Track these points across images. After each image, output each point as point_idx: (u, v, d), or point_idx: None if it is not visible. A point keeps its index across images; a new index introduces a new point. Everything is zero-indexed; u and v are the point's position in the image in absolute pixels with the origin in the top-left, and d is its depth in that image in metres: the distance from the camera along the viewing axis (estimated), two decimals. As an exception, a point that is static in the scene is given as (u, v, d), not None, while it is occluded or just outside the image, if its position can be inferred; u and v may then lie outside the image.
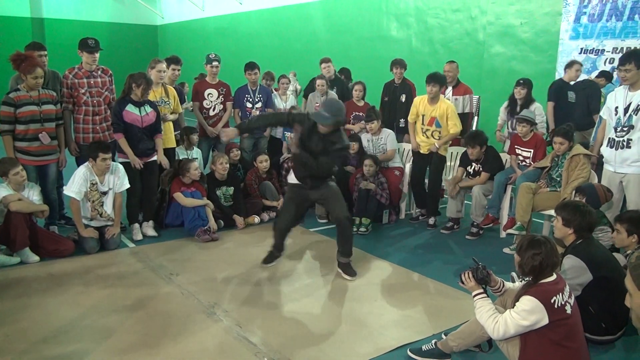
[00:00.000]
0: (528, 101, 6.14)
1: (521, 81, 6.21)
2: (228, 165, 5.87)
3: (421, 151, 5.96)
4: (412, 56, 11.15)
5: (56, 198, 5.36)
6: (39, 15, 19.76)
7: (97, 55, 5.30)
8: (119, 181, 5.02)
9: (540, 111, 6.16)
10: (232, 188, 5.94)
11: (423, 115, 5.86)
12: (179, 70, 6.22)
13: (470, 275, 2.98)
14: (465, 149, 5.84)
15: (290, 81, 7.99)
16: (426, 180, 6.16)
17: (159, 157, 5.39)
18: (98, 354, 3.20)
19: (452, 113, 5.75)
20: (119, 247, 5.05)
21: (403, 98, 6.99)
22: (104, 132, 5.39)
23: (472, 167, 5.75)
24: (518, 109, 6.17)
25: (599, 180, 4.91)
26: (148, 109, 5.20)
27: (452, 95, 6.66)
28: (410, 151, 6.33)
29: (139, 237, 5.30)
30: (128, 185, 5.10)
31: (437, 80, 5.74)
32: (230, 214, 5.76)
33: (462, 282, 3.02)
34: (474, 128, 9.50)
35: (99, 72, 5.38)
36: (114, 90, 5.53)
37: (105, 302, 3.90)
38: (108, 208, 5.00)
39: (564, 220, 3.39)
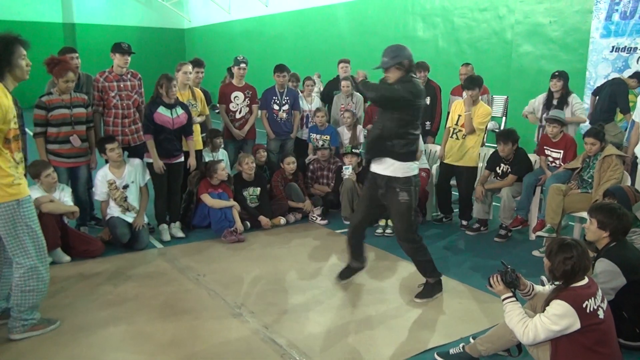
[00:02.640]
0: (565, 94, 6.08)
1: (556, 73, 6.15)
2: (254, 165, 5.90)
3: (449, 162, 5.91)
4: (438, 57, 11.06)
5: (87, 199, 5.47)
6: (70, 21, 20.24)
7: (129, 57, 5.40)
8: (140, 175, 5.21)
9: (578, 100, 6.09)
10: (259, 188, 5.98)
11: (459, 116, 5.81)
12: (202, 72, 6.28)
13: (499, 278, 2.94)
14: (493, 150, 5.76)
15: (315, 83, 8.00)
16: (452, 182, 6.12)
17: (190, 160, 5.46)
18: (126, 354, 3.25)
19: (486, 116, 5.72)
20: (147, 247, 5.13)
21: (428, 100, 6.93)
22: (133, 134, 5.47)
23: (501, 168, 5.66)
24: (555, 102, 6.11)
25: (633, 182, 4.80)
26: (179, 110, 5.26)
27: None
28: (437, 152, 6.28)
29: (167, 237, 5.37)
30: (149, 177, 5.26)
31: (475, 83, 5.69)
32: (256, 215, 5.79)
33: (491, 286, 2.98)
34: (501, 128, 9.42)
35: (129, 76, 5.47)
36: (143, 93, 5.61)
37: (133, 302, 3.96)
38: (132, 200, 5.16)
39: (599, 222, 3.30)
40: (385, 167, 3.92)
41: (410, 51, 3.86)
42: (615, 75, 8.03)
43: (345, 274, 4.40)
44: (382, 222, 5.70)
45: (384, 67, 3.84)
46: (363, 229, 4.29)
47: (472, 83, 5.67)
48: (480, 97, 6.58)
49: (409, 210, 3.92)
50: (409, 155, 3.87)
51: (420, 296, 4.05)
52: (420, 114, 3.90)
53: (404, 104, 3.76)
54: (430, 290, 4.09)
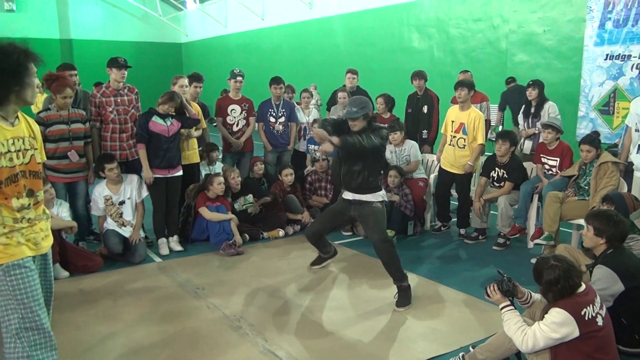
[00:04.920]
0: (541, 101, 6.27)
1: (531, 82, 6.38)
2: (240, 178, 5.96)
3: (446, 168, 5.94)
4: (434, 67, 11.14)
5: (85, 214, 5.46)
6: (67, 37, 20.35)
7: (126, 72, 5.42)
8: (136, 191, 5.26)
9: (555, 109, 6.22)
10: (250, 195, 6.03)
11: (452, 122, 5.85)
12: (200, 87, 6.29)
13: (496, 287, 2.95)
14: (486, 157, 5.81)
15: (312, 95, 8.03)
16: (452, 191, 6.15)
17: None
18: (126, 369, 3.25)
19: (481, 124, 5.74)
20: (144, 261, 5.13)
21: (425, 109, 6.98)
22: (131, 148, 5.48)
23: (496, 173, 5.68)
24: (532, 109, 6.32)
25: (629, 189, 4.81)
26: (172, 119, 5.29)
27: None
28: (434, 162, 6.32)
29: (166, 251, 5.37)
30: (147, 193, 5.30)
31: (464, 84, 5.81)
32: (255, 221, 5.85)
33: (489, 296, 2.99)
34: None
35: (125, 91, 5.49)
36: (140, 107, 5.63)
37: (133, 317, 3.95)
38: (128, 216, 5.21)
39: (595, 229, 3.31)
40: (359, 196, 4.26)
41: (372, 104, 4.34)
42: (611, 82, 8.10)
43: (317, 261, 4.99)
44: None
45: (352, 117, 4.11)
46: (323, 235, 4.76)
47: (459, 83, 5.85)
48: (479, 105, 6.66)
49: (384, 214, 4.33)
50: (379, 187, 4.29)
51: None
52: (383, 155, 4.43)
53: (379, 150, 4.18)
54: (400, 295, 4.23)
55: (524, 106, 6.51)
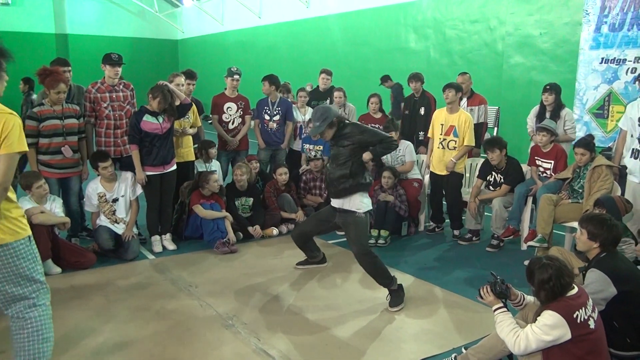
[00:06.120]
0: (557, 106, 5.94)
1: (547, 87, 5.95)
2: (244, 178, 5.91)
3: (436, 172, 5.96)
4: (430, 68, 11.16)
5: (78, 210, 5.43)
6: (63, 32, 20.25)
7: (120, 69, 5.40)
8: (130, 188, 5.24)
9: (571, 116, 6.02)
10: (252, 199, 5.98)
11: (442, 125, 5.86)
12: (193, 84, 6.26)
13: (489, 289, 2.96)
14: (483, 159, 5.81)
15: (308, 94, 8.02)
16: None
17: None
18: (118, 366, 3.23)
19: (469, 126, 5.77)
20: (137, 258, 5.11)
21: (422, 111, 6.99)
22: (125, 145, 5.46)
23: (493, 177, 5.69)
24: (547, 115, 5.95)
25: (622, 192, 4.83)
26: (164, 115, 5.23)
27: (467, 106, 6.64)
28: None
29: (159, 249, 5.35)
30: (141, 191, 5.28)
31: (452, 86, 5.81)
32: (245, 225, 5.77)
33: (482, 297, 2.99)
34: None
35: (121, 87, 5.47)
36: (135, 104, 5.61)
37: (125, 314, 3.94)
38: (121, 213, 5.20)
39: (589, 233, 3.31)
40: (345, 201, 4.16)
41: (335, 109, 4.19)
42: (606, 86, 8.15)
43: (303, 262, 4.97)
44: (374, 233, 5.70)
45: (318, 133, 4.09)
46: (308, 238, 4.76)
47: (448, 85, 5.81)
48: (477, 107, 6.65)
49: (367, 226, 4.26)
50: (363, 187, 4.15)
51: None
52: None
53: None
54: (392, 296, 4.16)
55: (538, 109, 6.15)
